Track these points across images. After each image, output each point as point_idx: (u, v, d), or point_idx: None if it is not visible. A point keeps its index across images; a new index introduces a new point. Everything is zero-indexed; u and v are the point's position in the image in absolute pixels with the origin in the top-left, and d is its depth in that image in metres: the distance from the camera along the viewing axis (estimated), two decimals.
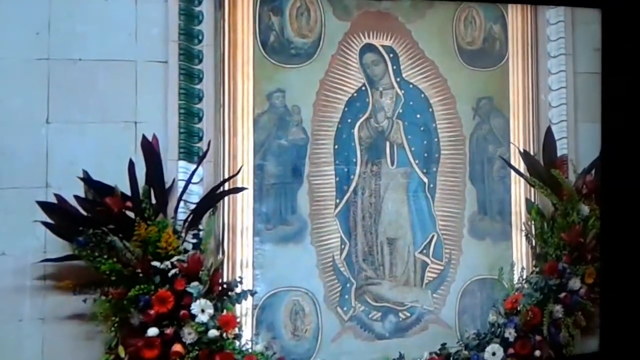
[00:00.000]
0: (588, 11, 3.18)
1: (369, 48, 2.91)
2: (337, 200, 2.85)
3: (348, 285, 2.83)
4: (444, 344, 2.82)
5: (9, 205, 2.35)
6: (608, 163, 3.26)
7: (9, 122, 2.37)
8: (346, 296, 2.83)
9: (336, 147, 2.85)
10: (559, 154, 3.04)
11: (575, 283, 2.92)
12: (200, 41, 2.62)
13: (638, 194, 3.20)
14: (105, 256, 2.34)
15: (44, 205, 2.33)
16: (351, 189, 2.88)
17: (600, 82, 3.28)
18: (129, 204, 2.42)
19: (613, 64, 3.25)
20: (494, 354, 2.81)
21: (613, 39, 3.28)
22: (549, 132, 3.03)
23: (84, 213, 2.36)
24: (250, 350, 2.55)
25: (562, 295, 2.90)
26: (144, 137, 2.46)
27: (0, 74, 2.38)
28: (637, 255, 3.17)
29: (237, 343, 2.54)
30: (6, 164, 2.36)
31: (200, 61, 2.63)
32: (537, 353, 2.84)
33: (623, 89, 3.20)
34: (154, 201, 2.46)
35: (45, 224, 2.33)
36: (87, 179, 2.39)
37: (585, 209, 2.97)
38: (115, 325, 2.36)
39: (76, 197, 2.36)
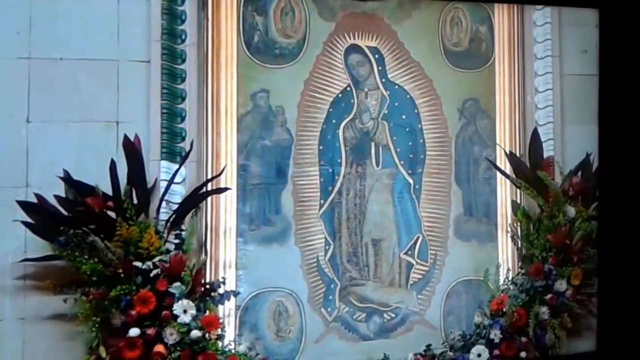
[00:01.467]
0: (575, 12, 3.14)
1: (354, 49, 2.87)
2: (322, 201, 2.82)
3: (332, 286, 2.80)
4: (429, 345, 2.79)
5: None
6: (605, 165, 3.22)
7: None
8: (330, 297, 2.79)
9: (321, 147, 2.81)
10: (545, 155, 3.01)
11: (561, 285, 2.89)
12: (183, 41, 2.59)
13: (635, 195, 3.19)
14: (86, 256, 2.31)
15: (24, 205, 2.30)
16: (336, 189, 2.84)
17: (598, 83, 3.24)
18: (110, 204, 2.38)
19: (610, 64, 3.22)
20: (479, 355, 2.77)
21: (610, 40, 3.24)
22: (535, 133, 3.00)
23: (65, 213, 2.33)
24: (233, 351, 2.52)
25: (548, 296, 2.87)
26: (125, 136, 2.42)
27: None
28: (634, 256, 3.14)
29: (220, 344, 2.51)
30: None
31: (183, 61, 2.60)
32: (523, 354, 2.81)
33: (620, 90, 3.17)
34: (135, 201, 2.43)
35: (25, 223, 2.29)
36: (67, 179, 2.35)
37: (571, 211, 2.94)
38: (97, 325, 2.33)
39: (57, 197, 2.32)
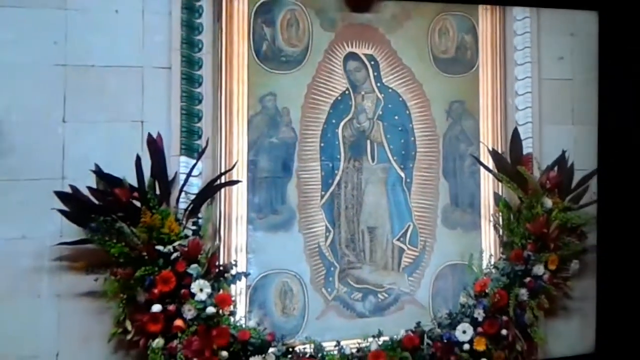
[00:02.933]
0: (552, 22, 3.24)
1: (352, 56, 3.01)
2: (323, 193, 2.95)
3: (332, 268, 2.94)
4: (418, 323, 2.90)
5: (30, 195, 2.50)
6: (605, 164, 3.29)
7: (30, 121, 2.52)
8: (330, 278, 2.94)
9: (322, 145, 2.96)
10: (524, 152, 3.11)
11: (539, 269, 2.98)
12: (200, 49, 2.73)
13: (635, 196, 3.23)
14: (115, 240, 2.47)
15: (60, 195, 2.45)
16: (335, 182, 2.98)
17: (597, 83, 3.30)
18: (135, 194, 2.53)
19: (609, 65, 3.27)
20: (464, 332, 2.88)
21: (609, 41, 3.28)
22: (515, 132, 3.11)
23: (96, 202, 2.48)
24: (244, 326, 2.65)
25: (527, 280, 2.98)
26: (149, 135, 2.58)
27: (23, 78, 2.53)
28: (633, 257, 3.19)
29: (232, 319, 2.65)
30: (27, 159, 2.52)
31: (200, 67, 2.74)
32: (504, 332, 2.91)
33: (619, 90, 3.22)
34: (158, 192, 2.59)
35: (61, 211, 2.45)
36: (98, 172, 2.52)
37: (548, 202, 3.03)
38: (123, 302, 2.49)
39: (89, 188, 2.47)
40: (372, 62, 3.05)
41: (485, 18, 3.17)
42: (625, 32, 3.24)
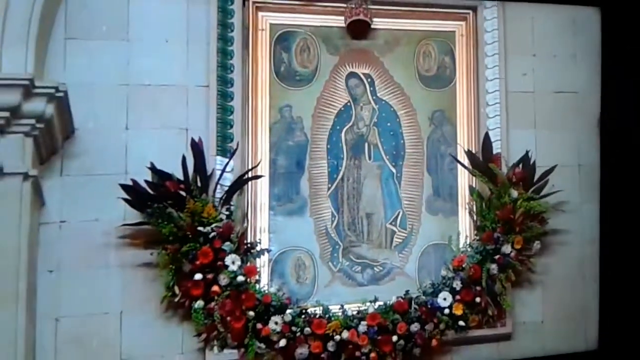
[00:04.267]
0: (517, 44, 3.47)
1: (352, 75, 3.34)
2: (329, 185, 3.24)
3: (337, 246, 3.22)
4: (407, 291, 3.14)
5: (101, 187, 2.86)
6: (607, 162, 3.37)
7: (100, 129, 2.90)
8: (335, 254, 3.21)
9: (328, 146, 3.27)
10: (494, 152, 3.33)
11: (506, 248, 3.19)
12: (231, 71, 3.08)
13: (636, 195, 3.25)
14: (166, 222, 2.79)
15: (124, 187, 2.79)
16: (339, 177, 3.28)
17: (600, 82, 3.43)
18: (182, 186, 2.85)
19: (613, 63, 3.33)
20: (444, 299, 3.12)
21: (613, 38, 3.32)
22: (486, 136, 3.33)
23: (151, 192, 2.81)
24: (266, 291, 2.95)
25: (497, 257, 3.17)
26: (192, 139, 2.91)
27: (96, 94, 2.91)
28: (636, 255, 3.23)
29: (257, 286, 2.96)
30: (99, 158, 2.89)
31: (232, 85, 3.08)
32: (478, 300, 3.14)
33: (621, 89, 3.25)
34: (199, 184, 2.89)
35: (124, 199, 2.79)
36: (153, 168, 2.84)
37: (514, 193, 3.23)
38: (172, 271, 2.82)
39: (146, 181, 2.82)
40: (369, 80, 3.35)
41: (461, 43, 3.44)
42: (628, 29, 3.29)
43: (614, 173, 3.33)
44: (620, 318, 3.24)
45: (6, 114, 2.52)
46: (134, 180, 2.82)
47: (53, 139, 2.78)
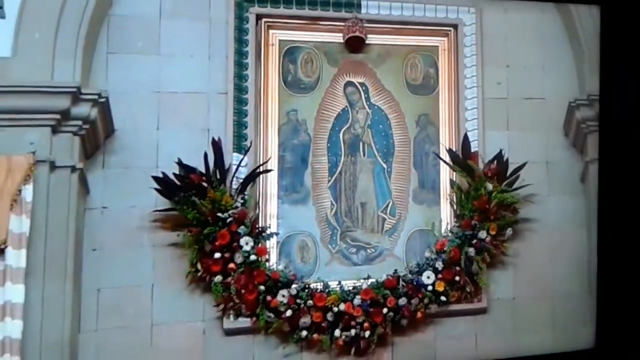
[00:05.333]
0: (492, 58, 3.62)
1: (349, 83, 3.53)
2: (329, 178, 3.43)
3: (335, 231, 3.40)
4: (396, 270, 3.30)
5: (136, 178, 3.10)
6: (606, 161, 3.33)
7: (136, 130, 3.15)
8: (334, 238, 3.40)
9: (328, 145, 3.46)
10: (472, 150, 3.47)
11: (482, 234, 3.34)
12: (246, 80, 3.30)
13: (635, 194, 3.19)
14: (190, 209, 3.03)
15: (155, 178, 3.04)
16: (338, 171, 3.46)
17: (599, 80, 3.41)
18: (204, 178, 3.08)
19: (611, 62, 3.28)
20: (428, 277, 3.28)
21: (612, 36, 3.27)
22: (465, 136, 3.49)
23: (178, 183, 3.06)
24: (275, 269, 3.17)
25: (474, 241, 3.33)
26: (213, 138, 3.15)
27: (132, 100, 3.14)
28: (634, 254, 3.18)
29: (267, 264, 3.17)
30: (135, 154, 3.13)
31: (246, 92, 3.30)
32: (457, 278, 3.31)
33: (620, 86, 3.19)
34: (218, 177, 3.12)
35: (156, 189, 3.05)
36: (180, 163, 3.08)
37: (489, 186, 3.37)
38: (196, 250, 3.05)
39: (174, 174, 3.07)
40: (364, 87, 3.54)
41: (443, 56, 3.62)
42: (627, 27, 3.24)
43: (614, 173, 3.30)
44: (617, 317, 3.21)
45: (57, 116, 2.88)
46: (163, 173, 3.07)
47: (96, 137, 3.08)
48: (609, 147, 3.35)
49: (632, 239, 3.20)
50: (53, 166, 2.89)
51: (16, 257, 2.81)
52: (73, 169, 2.93)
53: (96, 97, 2.96)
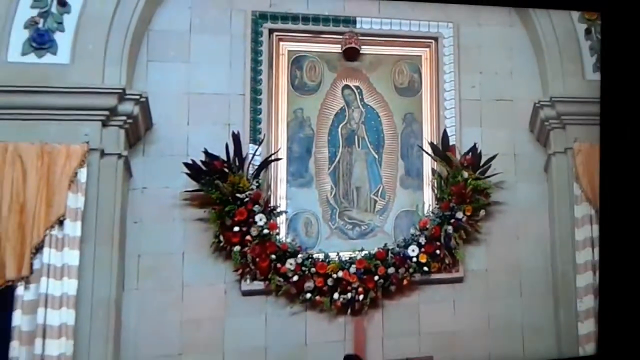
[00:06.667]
0: (468, 63, 3.86)
1: (346, 87, 3.82)
2: (329, 166, 3.71)
3: (334, 210, 3.69)
4: (385, 244, 3.60)
5: (170, 164, 3.43)
6: (607, 162, 3.37)
7: (170, 124, 3.48)
8: (333, 216, 3.68)
9: (329, 138, 3.75)
10: (450, 144, 3.76)
11: (459, 214, 3.62)
12: (260, 83, 3.62)
13: (636, 198, 3.19)
14: (214, 190, 3.36)
15: (186, 164, 3.40)
16: (337, 160, 3.75)
17: (600, 82, 3.55)
18: (225, 165, 3.42)
19: (612, 64, 3.36)
20: (413, 250, 3.57)
21: (612, 41, 3.37)
22: (445, 132, 3.78)
23: (204, 169, 3.40)
24: (284, 241, 3.49)
25: (452, 221, 3.61)
26: (233, 132, 3.49)
27: (166, 100, 3.45)
28: (635, 260, 3.17)
29: (278, 237, 3.49)
30: (169, 144, 3.47)
31: (261, 93, 3.63)
32: (438, 251, 3.59)
33: (622, 88, 3.23)
34: (237, 164, 3.45)
35: (186, 173, 3.40)
36: (206, 152, 3.42)
37: (465, 174, 3.66)
38: (218, 225, 3.39)
39: (201, 161, 3.40)
40: (358, 90, 3.82)
41: (426, 64, 3.91)
42: (628, 33, 3.30)
43: (614, 172, 3.34)
44: (620, 322, 3.22)
45: (106, 112, 3.32)
46: (192, 160, 3.41)
47: (138, 130, 3.47)
48: (609, 146, 3.42)
49: (635, 243, 3.22)
50: (103, 154, 3.30)
51: (72, 228, 3.23)
52: (119, 156, 3.33)
53: (138, 97, 3.34)
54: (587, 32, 3.99)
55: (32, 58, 3.26)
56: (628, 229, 3.26)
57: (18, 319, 3.11)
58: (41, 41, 3.27)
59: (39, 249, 3.16)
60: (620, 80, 3.32)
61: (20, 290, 3.12)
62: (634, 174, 3.26)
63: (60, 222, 3.16)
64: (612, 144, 3.40)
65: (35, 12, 3.28)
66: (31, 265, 3.13)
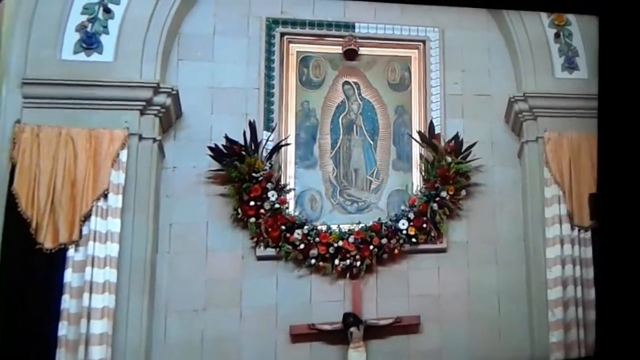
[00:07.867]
0: (452, 62, 4.13)
1: (346, 82, 4.15)
2: (331, 151, 4.06)
3: (336, 188, 4.02)
4: (379, 218, 3.93)
5: (197, 148, 3.80)
6: (605, 163, 3.42)
7: (196, 113, 3.86)
8: (335, 194, 4.01)
9: (331, 127, 4.08)
10: (436, 132, 4.07)
11: (444, 194, 3.93)
12: (273, 79, 3.98)
13: (635, 200, 3.17)
14: (233, 170, 3.72)
15: (210, 148, 3.78)
16: (338, 145, 4.09)
17: (598, 84, 3.61)
18: (243, 149, 3.79)
19: (609, 67, 3.41)
20: (403, 224, 3.88)
21: (609, 45, 3.42)
22: (431, 122, 4.09)
23: (225, 152, 3.77)
24: (292, 214, 3.85)
25: (437, 199, 3.92)
26: (249, 121, 3.85)
27: (193, 94, 3.83)
28: (633, 261, 3.16)
29: (287, 211, 3.85)
30: (195, 130, 3.84)
31: (273, 88, 3.99)
32: (424, 225, 3.88)
33: (618, 90, 3.27)
34: (253, 148, 3.82)
35: (210, 155, 3.77)
36: (227, 138, 3.79)
37: (448, 159, 3.97)
38: (237, 199, 3.76)
39: (222, 145, 3.78)
40: (357, 86, 4.15)
41: (415, 63, 4.22)
42: (626, 36, 3.32)
43: (613, 172, 3.36)
44: (618, 325, 3.17)
45: (144, 103, 3.77)
46: (215, 144, 3.83)
47: (170, 118, 3.87)
48: (609, 146, 3.46)
49: (634, 246, 3.19)
50: (140, 138, 3.69)
51: (115, 200, 3.64)
52: (154, 140, 3.73)
53: (170, 90, 3.73)
54: (557, 35, 4.29)
55: (81, 57, 3.67)
56: (628, 229, 3.29)
57: (69, 276, 3.50)
58: (89, 42, 3.70)
59: (87, 217, 3.56)
60: (617, 80, 3.42)
61: (71, 252, 3.52)
62: (631, 170, 3.29)
63: (105, 195, 3.57)
64: (608, 139, 3.51)
65: (84, 18, 3.74)
66: (80, 231, 3.54)
